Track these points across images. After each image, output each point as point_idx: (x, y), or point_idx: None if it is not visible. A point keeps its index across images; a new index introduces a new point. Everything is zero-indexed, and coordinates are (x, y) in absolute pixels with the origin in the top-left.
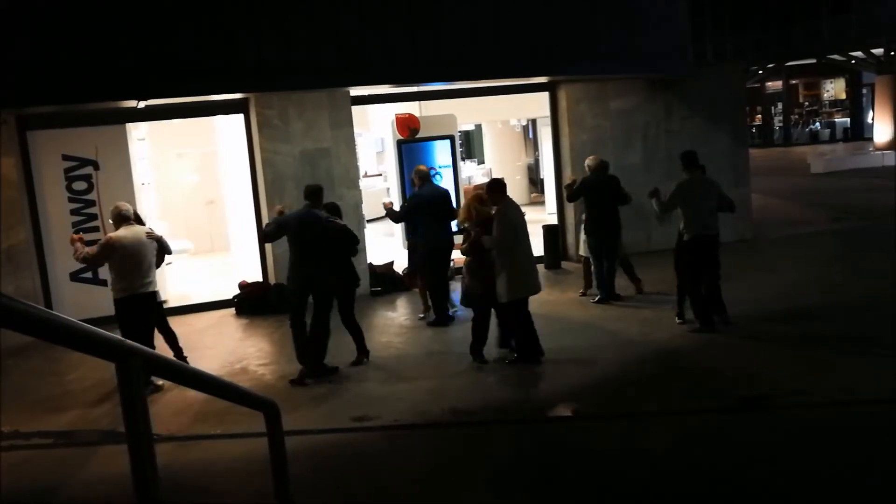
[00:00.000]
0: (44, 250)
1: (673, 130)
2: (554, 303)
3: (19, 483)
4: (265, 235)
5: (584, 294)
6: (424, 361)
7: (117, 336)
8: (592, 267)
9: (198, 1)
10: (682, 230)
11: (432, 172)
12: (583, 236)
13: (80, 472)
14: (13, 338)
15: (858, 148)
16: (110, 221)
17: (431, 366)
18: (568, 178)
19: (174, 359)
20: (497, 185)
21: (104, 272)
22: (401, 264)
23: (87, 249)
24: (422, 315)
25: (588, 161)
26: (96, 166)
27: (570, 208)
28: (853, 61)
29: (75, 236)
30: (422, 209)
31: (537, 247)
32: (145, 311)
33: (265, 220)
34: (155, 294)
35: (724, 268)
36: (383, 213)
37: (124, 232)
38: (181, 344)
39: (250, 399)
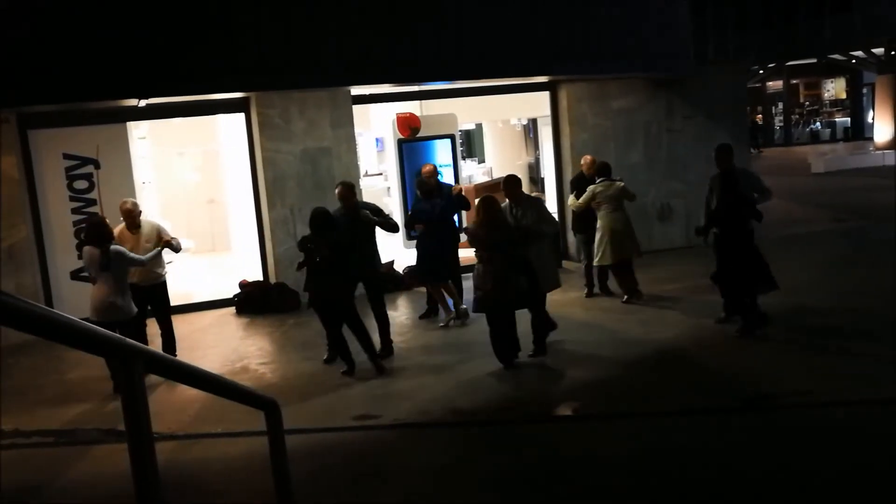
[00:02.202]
0: (45, 248)
1: (675, 130)
2: (557, 302)
3: (20, 481)
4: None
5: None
6: (425, 360)
7: (118, 335)
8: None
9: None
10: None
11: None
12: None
13: (81, 471)
14: (14, 336)
15: (859, 147)
16: (121, 218)
17: (432, 365)
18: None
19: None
20: (515, 181)
21: None
22: (401, 264)
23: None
24: (443, 324)
25: (590, 165)
26: (97, 165)
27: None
28: (854, 61)
29: (168, 237)
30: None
31: None
32: None
33: (266, 220)
34: None
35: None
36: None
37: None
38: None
39: (251, 398)
